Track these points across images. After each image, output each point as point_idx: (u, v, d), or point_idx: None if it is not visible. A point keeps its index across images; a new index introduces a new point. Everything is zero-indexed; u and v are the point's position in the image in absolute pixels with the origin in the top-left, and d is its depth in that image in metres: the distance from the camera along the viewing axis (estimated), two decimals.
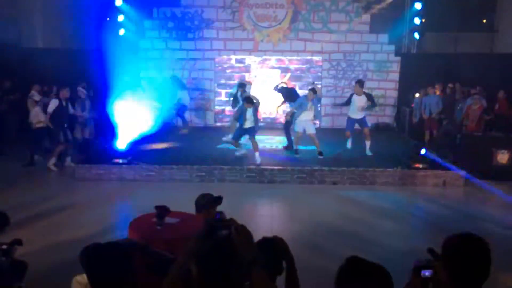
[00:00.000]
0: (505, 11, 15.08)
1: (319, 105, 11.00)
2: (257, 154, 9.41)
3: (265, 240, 2.45)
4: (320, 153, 9.92)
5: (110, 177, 9.06)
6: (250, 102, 9.60)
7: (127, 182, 8.96)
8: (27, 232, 5.97)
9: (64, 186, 8.78)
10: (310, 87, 10.79)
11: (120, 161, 9.18)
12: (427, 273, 2.16)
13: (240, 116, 9.70)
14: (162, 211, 3.66)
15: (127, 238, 2.52)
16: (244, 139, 10.03)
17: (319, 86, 12.56)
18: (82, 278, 3.55)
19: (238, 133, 9.79)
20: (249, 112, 9.54)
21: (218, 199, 4.40)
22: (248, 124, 9.58)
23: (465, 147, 9.53)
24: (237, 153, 9.97)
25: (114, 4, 13.28)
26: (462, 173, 8.93)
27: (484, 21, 16.44)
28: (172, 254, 2.51)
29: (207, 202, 4.10)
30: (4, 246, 3.62)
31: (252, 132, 9.63)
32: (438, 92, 11.68)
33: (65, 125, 9.87)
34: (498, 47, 15.20)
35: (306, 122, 10.05)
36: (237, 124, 9.92)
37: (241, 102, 10.21)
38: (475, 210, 7.83)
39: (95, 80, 11.93)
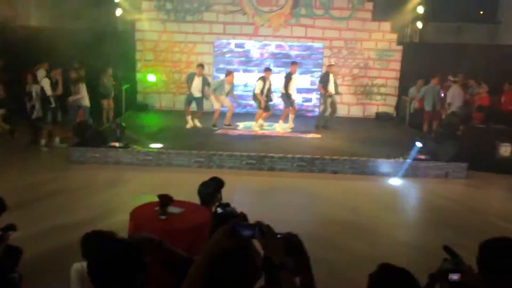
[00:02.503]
0: (508, 3, 14.87)
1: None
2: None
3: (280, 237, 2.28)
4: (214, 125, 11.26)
5: (106, 161, 8.86)
6: (201, 66, 11.26)
7: (124, 166, 8.77)
8: (21, 217, 5.78)
9: (58, 169, 8.56)
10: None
11: (117, 144, 8.95)
12: (455, 277, 2.02)
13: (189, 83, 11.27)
14: (165, 200, 3.47)
15: (142, 233, 2.33)
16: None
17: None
18: (81, 266, 3.39)
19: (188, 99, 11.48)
20: (196, 81, 11.07)
21: (221, 184, 4.20)
22: (196, 93, 11.16)
23: (468, 139, 9.40)
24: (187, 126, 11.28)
25: None
26: (465, 165, 8.82)
27: (482, 12, 16.19)
28: (182, 250, 2.31)
29: (215, 191, 3.88)
30: None
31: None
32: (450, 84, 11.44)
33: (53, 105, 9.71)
34: (501, 39, 15.01)
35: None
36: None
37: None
38: (478, 202, 7.74)
39: (89, 60, 11.61)
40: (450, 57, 12.73)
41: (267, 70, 11.32)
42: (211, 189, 3.95)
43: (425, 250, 5.73)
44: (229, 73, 11.39)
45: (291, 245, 2.33)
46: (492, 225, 6.66)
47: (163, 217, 3.46)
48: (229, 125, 11.25)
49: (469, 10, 15.09)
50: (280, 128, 11.25)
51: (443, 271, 2.04)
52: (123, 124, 9.60)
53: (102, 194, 7.31)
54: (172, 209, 3.54)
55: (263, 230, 1.73)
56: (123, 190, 7.57)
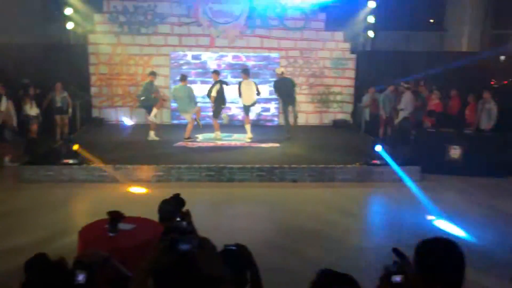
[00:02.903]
0: (453, 11, 15.63)
1: None
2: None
3: (227, 250, 2.28)
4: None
5: (60, 179, 8.57)
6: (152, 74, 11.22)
7: (79, 184, 8.52)
8: None
9: (8, 189, 8.21)
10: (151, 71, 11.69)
11: (71, 161, 8.69)
12: (397, 278, 2.07)
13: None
14: (115, 217, 3.39)
15: (90, 250, 2.26)
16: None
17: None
18: None
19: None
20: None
21: (182, 203, 4.09)
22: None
23: (420, 143, 9.73)
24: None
25: None
26: (418, 168, 9.11)
27: (432, 20, 16.98)
28: (128, 269, 2.27)
29: (176, 209, 3.77)
30: None
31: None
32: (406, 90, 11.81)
33: None
34: (447, 46, 15.73)
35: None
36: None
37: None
38: (431, 205, 7.97)
39: (41, 76, 11.30)
40: (401, 64, 13.22)
41: (215, 72, 11.37)
42: (172, 207, 3.88)
43: (382, 253, 5.82)
44: (184, 77, 11.29)
45: (242, 257, 2.34)
46: (443, 226, 6.89)
47: (113, 234, 3.37)
48: (189, 138, 11.15)
49: (417, 19, 15.77)
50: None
51: (386, 273, 2.09)
52: (77, 140, 9.34)
53: (55, 213, 7.05)
54: (123, 226, 3.47)
55: (201, 244, 1.72)
56: (78, 209, 7.36)
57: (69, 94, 11.61)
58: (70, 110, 11.65)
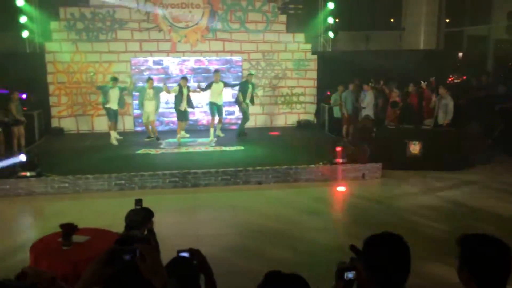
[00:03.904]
0: (410, 10, 16.06)
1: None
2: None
3: (179, 257, 2.26)
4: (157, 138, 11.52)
5: (17, 193, 8.28)
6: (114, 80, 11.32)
7: (37, 197, 8.25)
8: None
9: None
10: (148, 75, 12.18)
11: (28, 174, 8.41)
12: (350, 275, 2.10)
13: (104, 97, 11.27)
14: (68, 229, 3.30)
15: (34, 268, 2.17)
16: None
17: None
18: None
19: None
20: (113, 93, 11.14)
21: (151, 214, 4.00)
22: (114, 105, 11.22)
23: (381, 140, 9.92)
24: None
25: (16, 4, 12.34)
26: (379, 165, 9.29)
27: (392, 20, 17.42)
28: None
29: (144, 219, 3.68)
30: None
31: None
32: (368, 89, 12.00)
33: None
34: (405, 44, 16.14)
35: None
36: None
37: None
38: (392, 200, 8.15)
39: None
40: (362, 63, 13.45)
41: (183, 78, 11.60)
42: (140, 217, 3.82)
43: (346, 251, 5.92)
44: (149, 78, 11.68)
45: (194, 262, 2.32)
46: (405, 221, 7.06)
47: (66, 247, 3.28)
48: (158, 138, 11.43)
49: (375, 19, 16.12)
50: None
51: (339, 269, 2.11)
52: (35, 151, 9.05)
53: (11, 229, 6.81)
54: (77, 238, 3.38)
55: (143, 253, 1.69)
56: (36, 223, 7.12)
57: (25, 104, 11.26)
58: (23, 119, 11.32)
